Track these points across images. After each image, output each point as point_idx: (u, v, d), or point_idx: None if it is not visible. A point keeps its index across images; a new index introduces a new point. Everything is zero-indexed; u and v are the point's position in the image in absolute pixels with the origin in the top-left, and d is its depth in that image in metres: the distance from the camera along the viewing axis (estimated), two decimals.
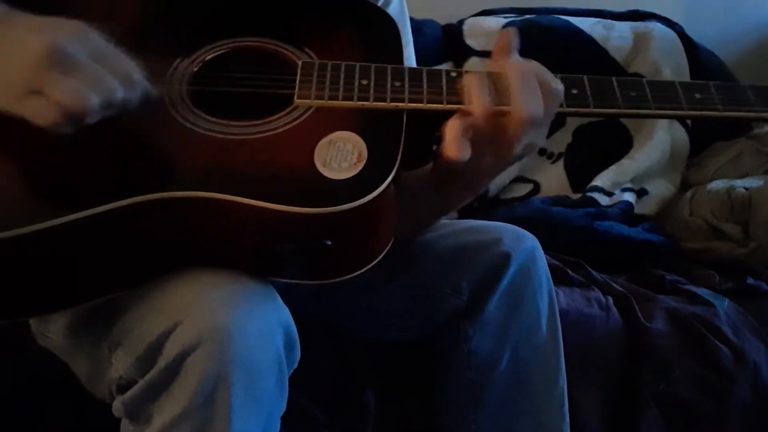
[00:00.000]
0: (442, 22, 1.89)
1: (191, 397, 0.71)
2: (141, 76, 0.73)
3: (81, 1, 0.84)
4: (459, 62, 1.82)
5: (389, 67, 0.82)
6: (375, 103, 0.79)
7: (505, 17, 1.89)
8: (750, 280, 1.47)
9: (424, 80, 0.81)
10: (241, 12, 0.89)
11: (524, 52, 1.98)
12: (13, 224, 0.70)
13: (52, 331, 0.94)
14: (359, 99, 0.79)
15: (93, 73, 0.69)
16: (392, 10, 1.03)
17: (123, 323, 0.80)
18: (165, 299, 0.75)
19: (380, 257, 0.80)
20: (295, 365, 0.79)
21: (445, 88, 0.80)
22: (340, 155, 0.75)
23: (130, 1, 0.86)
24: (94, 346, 0.85)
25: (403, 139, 0.78)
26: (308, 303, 0.84)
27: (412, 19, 1.80)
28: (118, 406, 0.77)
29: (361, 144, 0.76)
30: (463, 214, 1.67)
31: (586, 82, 0.82)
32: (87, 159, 0.76)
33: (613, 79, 0.83)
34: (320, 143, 0.76)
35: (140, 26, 0.84)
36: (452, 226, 1.06)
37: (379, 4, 1.02)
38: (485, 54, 1.82)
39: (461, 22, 1.88)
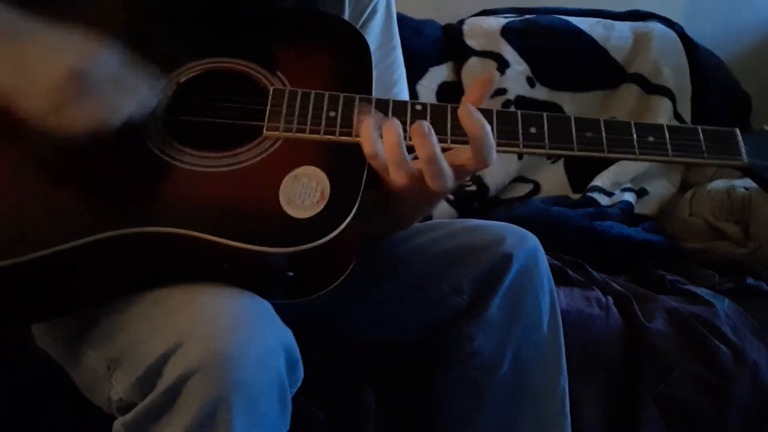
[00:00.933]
0: (442, 22, 1.89)
1: (192, 421, 0.71)
2: (152, 95, 0.80)
3: (54, 22, 0.85)
4: (459, 62, 1.82)
5: (357, 97, 0.84)
6: (341, 138, 0.82)
7: (505, 17, 1.89)
8: (750, 280, 1.47)
9: (390, 114, 0.83)
10: (217, 31, 0.91)
11: (524, 52, 1.99)
12: None
13: (51, 336, 0.94)
14: (326, 133, 0.83)
15: (109, 97, 0.76)
16: (378, 18, 1.04)
17: (123, 341, 0.80)
18: (165, 320, 0.75)
19: (343, 276, 0.84)
20: (299, 384, 0.80)
21: (408, 121, 0.83)
22: (304, 192, 0.79)
23: (106, 21, 0.87)
24: (92, 359, 0.85)
25: (365, 175, 0.81)
26: (307, 304, 0.84)
27: (412, 19, 1.82)
28: (118, 427, 0.78)
29: (324, 181, 0.80)
30: (463, 214, 1.67)
31: (545, 121, 0.84)
32: (63, 193, 0.80)
33: (572, 117, 0.84)
34: (286, 179, 0.80)
35: (116, 45, 0.85)
36: (452, 225, 1.06)
37: (367, 12, 1.02)
38: (485, 54, 1.82)
39: (461, 22, 1.87)
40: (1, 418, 1.05)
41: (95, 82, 0.75)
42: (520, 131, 0.82)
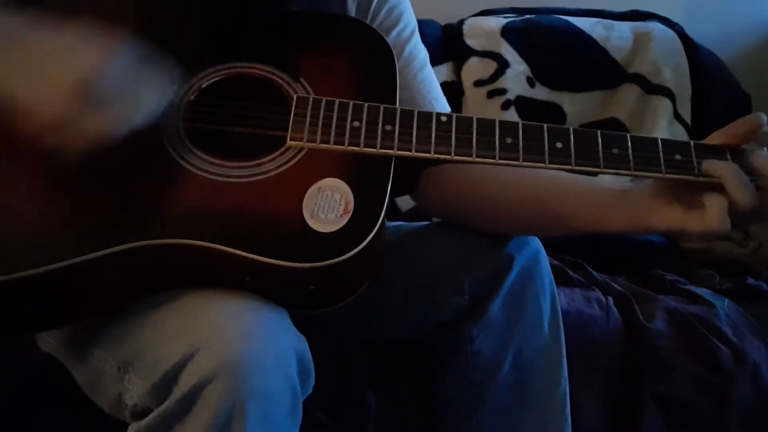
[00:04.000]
0: (442, 22, 1.89)
1: (206, 429, 0.71)
2: (163, 99, 0.78)
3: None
4: (459, 62, 1.82)
5: (382, 107, 0.83)
6: (365, 149, 0.81)
7: (505, 17, 1.89)
8: (750, 280, 1.47)
9: (414, 125, 0.82)
10: (238, 36, 0.90)
11: (524, 52, 1.98)
12: (10, 269, 0.74)
13: (52, 337, 0.94)
14: (350, 144, 0.81)
15: (118, 107, 0.73)
16: (388, 6, 1.03)
17: (135, 344, 0.80)
18: (180, 326, 0.75)
19: (362, 289, 0.84)
20: (310, 391, 0.80)
21: (433, 135, 0.82)
22: (328, 205, 0.78)
23: (127, 23, 0.86)
24: (99, 359, 0.85)
25: (389, 188, 0.80)
26: None
27: None
28: None
29: (348, 194, 0.79)
30: None
31: (572, 136, 0.82)
32: (85, 202, 0.78)
33: (598, 133, 0.82)
34: (309, 191, 0.79)
35: (131, 45, 0.84)
36: (454, 226, 1.05)
37: (372, 7, 1.01)
38: (485, 54, 1.82)
39: (461, 22, 1.88)
40: (2, 419, 1.05)
41: (105, 94, 0.72)
42: (546, 146, 0.81)
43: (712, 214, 0.77)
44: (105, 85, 0.72)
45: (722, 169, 0.79)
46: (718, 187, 0.79)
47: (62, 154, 0.73)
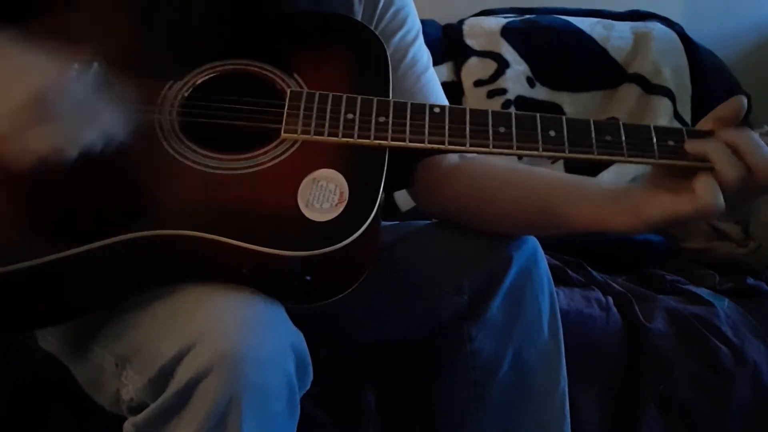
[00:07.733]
0: (442, 22, 1.89)
1: (202, 422, 0.71)
2: (119, 127, 0.76)
3: (72, 20, 0.85)
4: (459, 62, 1.82)
5: (375, 99, 0.84)
6: (359, 140, 0.82)
7: (505, 17, 1.89)
8: (750, 280, 1.47)
9: (408, 116, 0.83)
10: (232, 33, 0.91)
11: (525, 52, 1.99)
12: (7, 260, 0.74)
13: (53, 335, 0.94)
14: (344, 135, 0.82)
15: (71, 125, 0.72)
16: (394, 9, 1.03)
17: (132, 340, 0.80)
18: (177, 321, 0.75)
19: (360, 280, 0.84)
20: (308, 387, 0.80)
21: (427, 125, 0.83)
22: (323, 195, 0.79)
23: (123, 19, 0.87)
24: (98, 356, 0.85)
25: (383, 178, 0.81)
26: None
27: None
28: (129, 428, 0.78)
29: (343, 183, 0.80)
30: None
31: (564, 124, 0.83)
32: (79, 194, 0.79)
33: (591, 121, 0.83)
34: (304, 182, 0.79)
35: (133, 45, 0.85)
36: (453, 226, 1.06)
37: (380, 8, 1.02)
38: (485, 54, 1.82)
39: (461, 22, 1.88)
40: (2, 419, 1.06)
41: (57, 109, 0.71)
42: (539, 135, 0.82)
43: (702, 190, 0.78)
44: (56, 102, 0.71)
45: (705, 145, 0.80)
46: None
47: (12, 165, 0.72)
